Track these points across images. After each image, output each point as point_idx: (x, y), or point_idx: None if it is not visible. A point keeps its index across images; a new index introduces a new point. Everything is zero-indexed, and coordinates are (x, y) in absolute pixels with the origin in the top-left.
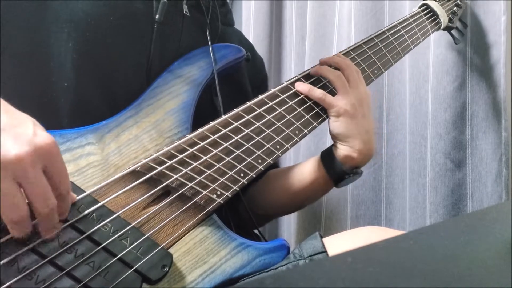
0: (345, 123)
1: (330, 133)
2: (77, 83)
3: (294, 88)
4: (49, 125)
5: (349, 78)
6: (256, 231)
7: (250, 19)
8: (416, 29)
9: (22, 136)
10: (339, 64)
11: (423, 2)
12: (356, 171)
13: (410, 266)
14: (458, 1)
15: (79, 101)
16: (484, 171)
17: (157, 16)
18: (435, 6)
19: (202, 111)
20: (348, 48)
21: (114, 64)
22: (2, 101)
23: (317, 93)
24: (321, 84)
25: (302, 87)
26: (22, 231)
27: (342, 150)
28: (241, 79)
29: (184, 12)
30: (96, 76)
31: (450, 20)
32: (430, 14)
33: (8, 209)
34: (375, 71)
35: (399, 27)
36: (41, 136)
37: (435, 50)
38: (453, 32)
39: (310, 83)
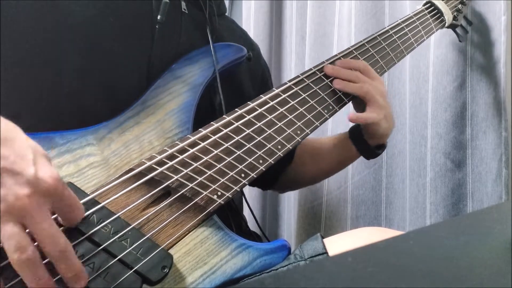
0: (383, 120)
1: (367, 129)
2: (78, 86)
3: (295, 88)
4: (50, 127)
5: (371, 75)
6: (258, 231)
7: (250, 19)
8: (420, 27)
9: (24, 174)
10: (358, 67)
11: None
12: (384, 148)
13: (410, 266)
14: None
15: (80, 103)
16: (484, 171)
17: (159, 17)
18: (439, 3)
19: (201, 110)
20: (351, 47)
21: (115, 65)
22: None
23: (357, 86)
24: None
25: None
26: (35, 278)
27: (375, 140)
28: (240, 75)
29: (183, 10)
30: (97, 78)
31: (454, 18)
32: (434, 12)
33: (13, 252)
34: (378, 70)
35: (403, 25)
36: (44, 174)
37: (435, 50)
38: (458, 29)
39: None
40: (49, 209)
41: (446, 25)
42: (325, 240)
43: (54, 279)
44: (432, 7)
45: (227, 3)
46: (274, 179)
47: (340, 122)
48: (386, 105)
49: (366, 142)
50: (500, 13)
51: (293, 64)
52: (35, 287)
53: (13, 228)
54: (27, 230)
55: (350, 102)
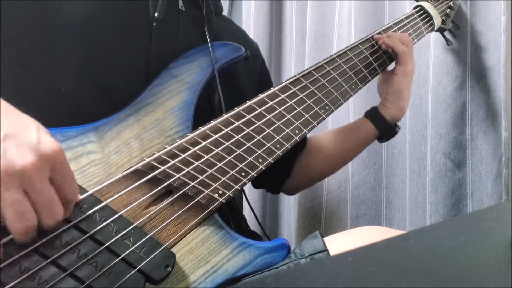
0: (407, 83)
1: (391, 90)
2: (76, 84)
3: (292, 88)
4: (48, 126)
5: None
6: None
7: (250, 19)
8: (411, 30)
9: (27, 143)
10: (403, 39)
11: (417, 3)
12: (398, 127)
13: (410, 266)
14: (451, 3)
15: (78, 102)
16: (484, 171)
17: (156, 14)
18: (428, 7)
19: (200, 109)
20: (345, 48)
21: (113, 64)
22: (3, 102)
23: (402, 47)
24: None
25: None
26: (27, 238)
27: (392, 110)
28: (238, 73)
29: (180, 7)
30: (95, 77)
31: (443, 22)
32: (424, 15)
33: (15, 219)
34: (372, 71)
35: (395, 28)
36: (46, 143)
37: (435, 50)
38: (446, 33)
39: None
40: (48, 178)
41: (435, 28)
42: (325, 239)
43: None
44: (422, 11)
45: (227, 3)
46: (286, 173)
47: (340, 122)
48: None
49: (384, 118)
50: (500, 13)
51: (293, 64)
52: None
53: (15, 194)
54: None
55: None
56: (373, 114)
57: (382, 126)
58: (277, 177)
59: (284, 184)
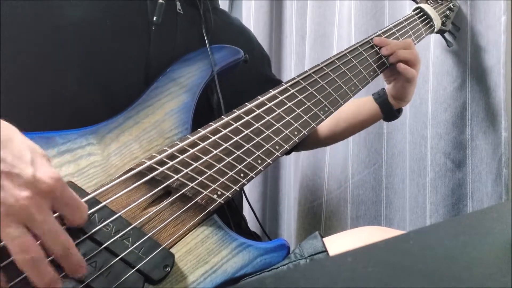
0: (411, 86)
1: (399, 95)
2: (76, 88)
3: (291, 90)
4: (49, 128)
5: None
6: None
7: (250, 19)
8: (411, 32)
9: (22, 176)
10: (406, 44)
11: (417, 5)
12: (401, 110)
13: (410, 266)
14: (451, 4)
15: (78, 105)
16: (484, 171)
17: (154, 18)
18: (428, 9)
19: (199, 110)
20: (345, 50)
21: (112, 67)
22: None
23: (409, 70)
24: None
25: (399, 65)
26: (42, 276)
27: (400, 104)
28: (236, 76)
29: (178, 10)
30: (95, 80)
31: (443, 23)
32: (424, 17)
33: (20, 252)
34: (371, 73)
35: (394, 30)
36: (43, 174)
37: (435, 51)
38: (446, 35)
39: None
40: (49, 208)
41: (435, 30)
42: (325, 239)
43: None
44: (422, 13)
45: (227, 3)
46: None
47: None
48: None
49: (393, 109)
50: (500, 13)
51: (293, 64)
52: (42, 285)
53: (16, 230)
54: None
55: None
56: (384, 105)
57: (391, 116)
58: None
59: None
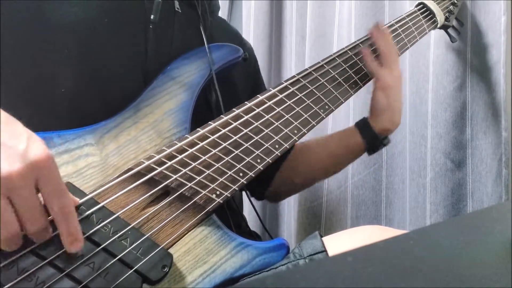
0: (388, 96)
1: (374, 106)
2: (73, 87)
3: (291, 88)
4: (46, 128)
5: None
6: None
7: (250, 19)
8: (413, 28)
9: (14, 150)
10: (387, 39)
11: (420, 1)
12: (387, 140)
13: (410, 266)
14: (454, 0)
15: (75, 105)
16: (484, 171)
17: (152, 16)
18: (431, 4)
19: (197, 110)
20: (345, 47)
21: (110, 66)
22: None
23: (374, 63)
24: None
25: (366, 51)
26: (12, 246)
27: (382, 122)
28: (234, 73)
29: (176, 9)
30: (92, 80)
31: (446, 19)
32: (426, 13)
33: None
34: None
35: (396, 26)
36: (35, 149)
37: (435, 50)
38: (450, 30)
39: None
40: (35, 186)
41: (438, 26)
42: (324, 239)
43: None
44: (425, 8)
45: (227, 3)
46: (269, 179)
47: (340, 122)
48: (398, 88)
49: (372, 130)
50: (500, 13)
51: (293, 64)
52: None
53: (1, 202)
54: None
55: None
56: (362, 125)
57: (370, 138)
58: (261, 180)
59: (266, 191)
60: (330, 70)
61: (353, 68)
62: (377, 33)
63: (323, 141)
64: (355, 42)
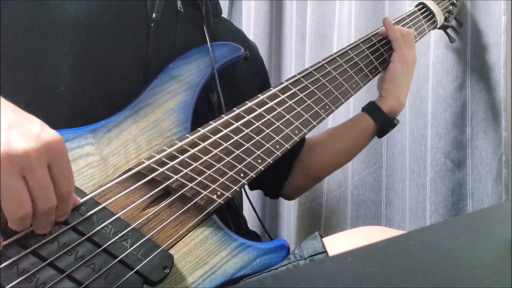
0: (403, 71)
1: (388, 77)
2: (74, 86)
3: (292, 88)
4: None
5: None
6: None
7: (250, 19)
8: (413, 28)
9: (30, 132)
10: (402, 30)
11: (420, 1)
12: (397, 120)
13: (410, 266)
14: (454, 0)
15: (76, 104)
16: (484, 171)
17: (154, 15)
18: (431, 5)
19: (198, 109)
20: (346, 47)
21: (111, 64)
22: (9, 103)
23: (397, 34)
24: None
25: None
26: (22, 227)
27: (390, 100)
28: (238, 73)
29: (178, 8)
30: (93, 78)
31: (446, 19)
32: (426, 13)
33: (13, 205)
34: (373, 70)
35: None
36: (49, 133)
37: (435, 50)
38: (449, 31)
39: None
40: (47, 167)
41: (438, 26)
42: (324, 239)
43: None
44: (424, 8)
45: (227, 3)
46: (285, 175)
47: (340, 122)
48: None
49: (381, 110)
50: (500, 13)
51: (293, 64)
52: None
53: (18, 182)
54: None
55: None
56: (371, 108)
57: (381, 118)
58: (276, 179)
59: (283, 186)
60: (331, 70)
61: (354, 68)
62: (388, 24)
63: (334, 134)
64: (356, 42)
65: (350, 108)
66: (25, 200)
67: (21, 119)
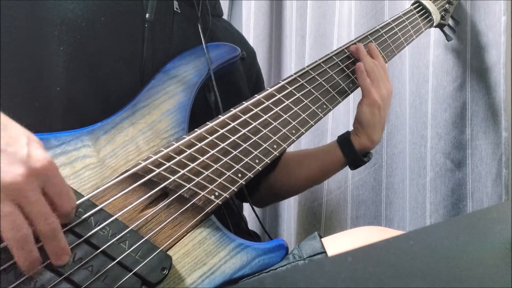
0: (373, 113)
1: (357, 120)
2: (69, 86)
3: (289, 87)
4: (41, 129)
5: (381, 71)
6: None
7: (250, 19)
8: (409, 26)
9: (16, 156)
10: (373, 53)
11: None
12: (369, 156)
13: (410, 266)
14: None
15: (72, 104)
16: (484, 171)
17: (147, 15)
18: (427, 3)
19: (195, 109)
20: (343, 46)
21: (106, 65)
22: None
23: (367, 81)
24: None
25: (359, 64)
26: (28, 256)
27: (362, 139)
28: (235, 74)
29: (175, 9)
30: (88, 79)
31: (442, 17)
32: (422, 11)
33: (9, 230)
34: None
35: (393, 24)
36: (37, 156)
37: (435, 50)
38: (445, 29)
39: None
40: (40, 191)
41: (434, 24)
42: (324, 239)
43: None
44: (421, 7)
45: (227, 3)
46: (255, 186)
47: (340, 122)
48: (385, 105)
49: (353, 146)
50: (500, 13)
51: (293, 64)
52: (26, 265)
53: (10, 207)
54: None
55: (343, 100)
56: (344, 141)
57: (351, 155)
58: (247, 186)
59: (253, 194)
60: (328, 69)
61: (351, 67)
62: (358, 53)
63: (303, 160)
64: (353, 40)
65: (350, 107)
66: (20, 224)
67: (5, 140)
